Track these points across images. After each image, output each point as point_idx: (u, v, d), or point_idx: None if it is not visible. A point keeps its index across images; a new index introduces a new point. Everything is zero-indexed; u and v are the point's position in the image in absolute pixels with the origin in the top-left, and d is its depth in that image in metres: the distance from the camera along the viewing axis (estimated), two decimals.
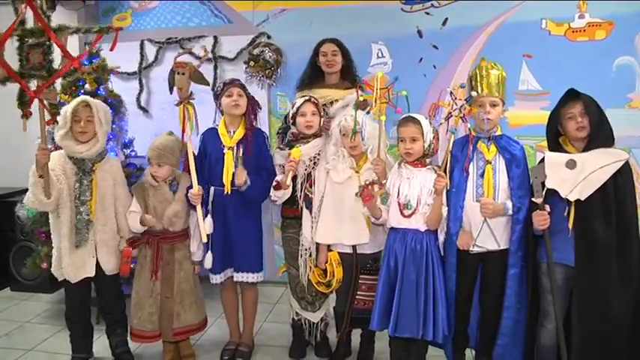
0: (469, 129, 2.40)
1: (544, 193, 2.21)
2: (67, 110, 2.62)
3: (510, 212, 2.38)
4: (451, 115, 2.39)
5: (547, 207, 2.22)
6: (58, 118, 2.56)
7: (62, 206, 2.64)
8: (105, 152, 2.80)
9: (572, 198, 2.21)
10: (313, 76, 3.12)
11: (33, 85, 2.50)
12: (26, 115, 2.47)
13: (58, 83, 3.26)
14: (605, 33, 3.66)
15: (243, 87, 2.83)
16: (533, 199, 2.26)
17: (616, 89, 3.56)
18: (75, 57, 2.52)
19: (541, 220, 2.22)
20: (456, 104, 2.37)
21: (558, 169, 2.24)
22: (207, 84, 2.82)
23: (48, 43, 2.44)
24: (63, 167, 2.65)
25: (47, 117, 2.53)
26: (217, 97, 2.86)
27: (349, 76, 3.07)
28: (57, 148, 2.79)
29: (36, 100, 2.52)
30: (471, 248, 2.42)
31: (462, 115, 2.36)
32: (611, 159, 2.21)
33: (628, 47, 3.63)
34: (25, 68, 2.48)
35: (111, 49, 2.57)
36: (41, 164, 2.50)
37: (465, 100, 2.37)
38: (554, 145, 2.37)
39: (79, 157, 2.66)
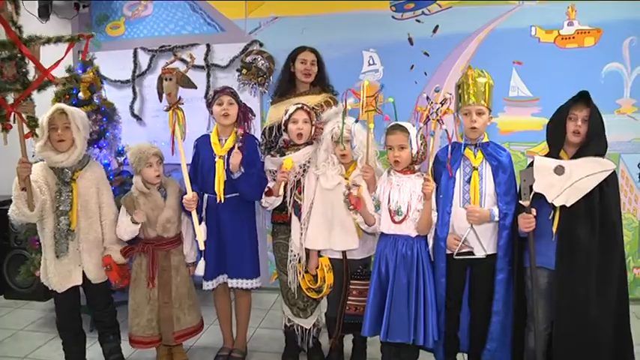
0: (445, 130, 2.42)
1: (531, 196, 2.24)
2: (43, 120, 2.58)
3: (497, 218, 2.41)
4: (429, 119, 2.41)
5: (533, 210, 2.24)
6: (37, 131, 2.51)
7: (46, 217, 2.62)
8: (86, 160, 2.74)
9: (557, 204, 2.24)
10: (288, 85, 3.06)
11: (11, 98, 2.43)
12: (6, 128, 2.42)
13: (51, 92, 3.27)
14: (593, 40, 3.71)
15: (234, 95, 2.83)
16: (520, 202, 2.28)
17: (605, 95, 3.58)
18: (47, 68, 2.44)
19: (526, 222, 2.24)
20: (432, 108, 2.39)
21: (546, 174, 2.27)
22: (195, 87, 2.79)
23: (20, 55, 2.38)
24: (45, 178, 2.63)
25: (26, 130, 2.48)
26: (209, 105, 2.87)
27: (320, 83, 3.04)
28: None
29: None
30: (455, 253, 2.43)
31: (438, 117, 2.39)
32: (599, 168, 2.23)
33: (616, 54, 3.69)
34: None
35: (82, 57, 2.56)
36: (23, 177, 2.47)
37: (440, 102, 2.39)
38: (554, 142, 2.36)
39: (59, 166, 2.63)
